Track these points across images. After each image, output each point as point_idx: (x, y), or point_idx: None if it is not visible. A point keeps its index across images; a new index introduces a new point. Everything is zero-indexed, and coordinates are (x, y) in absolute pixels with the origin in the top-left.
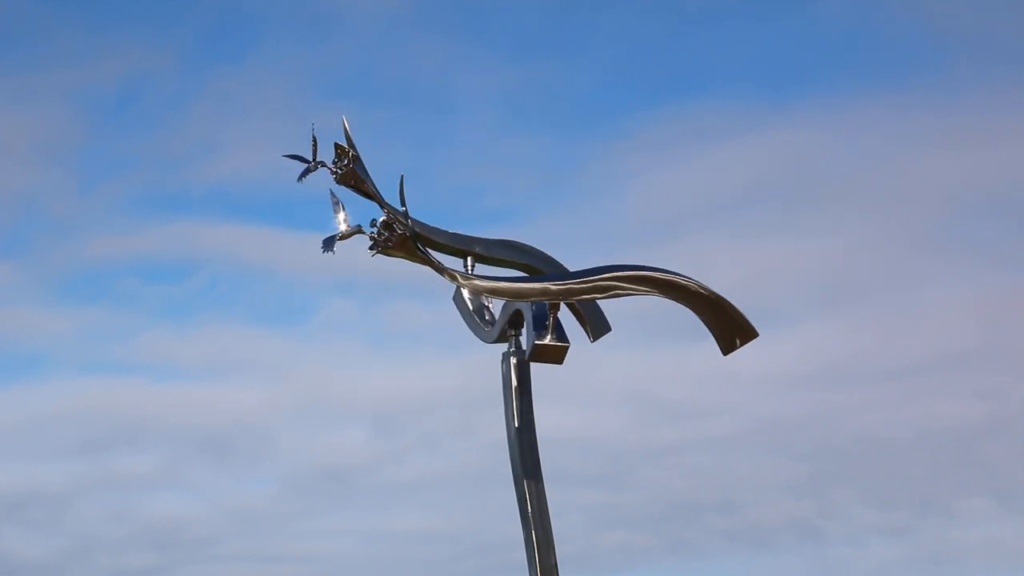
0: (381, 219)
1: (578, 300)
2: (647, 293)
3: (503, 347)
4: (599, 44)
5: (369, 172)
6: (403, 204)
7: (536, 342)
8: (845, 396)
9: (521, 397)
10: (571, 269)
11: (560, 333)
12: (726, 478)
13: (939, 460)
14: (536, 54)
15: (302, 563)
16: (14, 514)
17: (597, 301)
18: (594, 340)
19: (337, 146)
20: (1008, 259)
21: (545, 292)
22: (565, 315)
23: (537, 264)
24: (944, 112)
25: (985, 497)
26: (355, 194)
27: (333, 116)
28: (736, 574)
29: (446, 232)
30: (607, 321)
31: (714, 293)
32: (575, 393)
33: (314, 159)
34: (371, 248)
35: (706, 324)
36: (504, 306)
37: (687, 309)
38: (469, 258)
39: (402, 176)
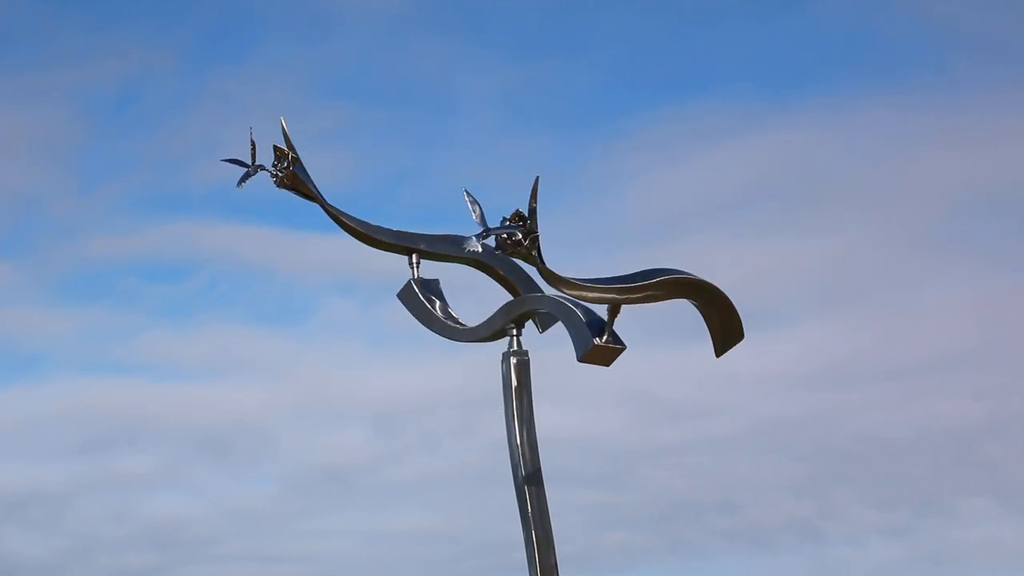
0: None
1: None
2: (677, 297)
3: (503, 347)
4: (599, 44)
5: (310, 173)
6: (533, 203)
7: (596, 342)
8: (845, 396)
9: (521, 397)
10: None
11: (616, 336)
12: (726, 478)
13: (939, 460)
14: (536, 54)
15: (302, 563)
16: (14, 514)
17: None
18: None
19: (276, 148)
20: (1008, 259)
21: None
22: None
23: (483, 257)
24: (944, 112)
25: (985, 497)
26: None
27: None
28: (736, 574)
29: (391, 231)
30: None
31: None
32: (575, 393)
33: (253, 163)
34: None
35: (710, 325)
36: (508, 305)
37: (688, 310)
38: (414, 255)
39: (537, 177)
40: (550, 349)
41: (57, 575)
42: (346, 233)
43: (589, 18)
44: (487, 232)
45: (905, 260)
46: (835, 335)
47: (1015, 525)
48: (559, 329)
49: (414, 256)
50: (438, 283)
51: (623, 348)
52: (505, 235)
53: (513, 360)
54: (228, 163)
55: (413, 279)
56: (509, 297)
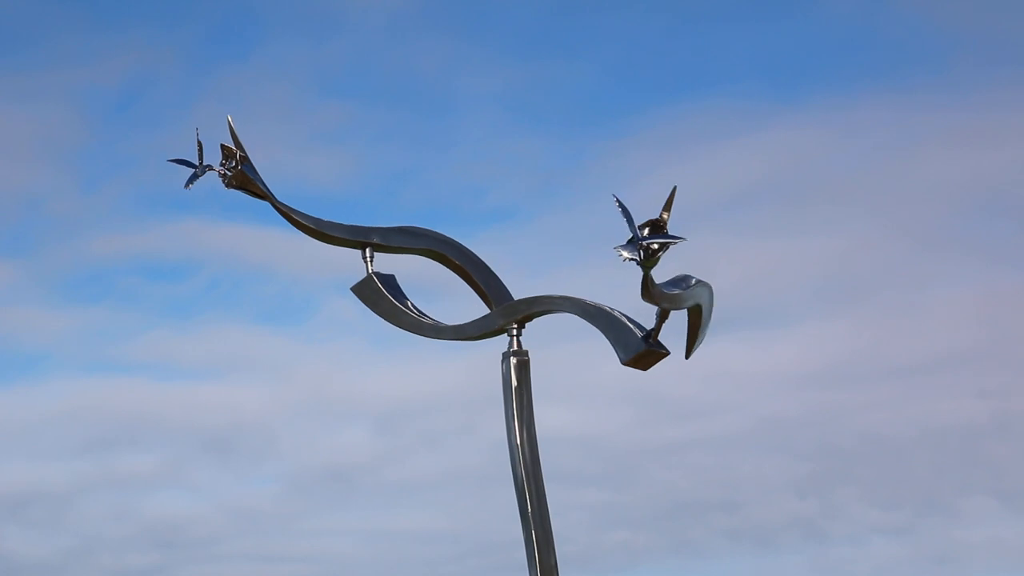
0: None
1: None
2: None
3: (503, 347)
4: (600, 44)
5: (259, 172)
6: (667, 211)
7: (646, 347)
8: (848, 395)
9: (521, 397)
10: (572, 268)
11: (660, 342)
12: (728, 477)
13: (942, 459)
14: (537, 54)
15: (304, 563)
16: (16, 514)
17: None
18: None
19: (224, 147)
20: (1011, 258)
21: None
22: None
23: (436, 247)
24: (946, 111)
25: (988, 496)
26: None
27: (334, 116)
28: (739, 573)
29: (343, 225)
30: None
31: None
32: (577, 392)
33: (201, 163)
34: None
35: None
36: (510, 305)
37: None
38: (368, 249)
39: (674, 188)
40: (550, 349)
41: (59, 575)
42: (299, 231)
43: (590, 18)
44: (643, 243)
45: (908, 259)
46: (837, 334)
47: (1018, 525)
48: (559, 329)
49: (368, 250)
50: (395, 279)
51: (667, 353)
52: (656, 245)
53: (513, 360)
54: (175, 163)
55: (371, 272)
56: (465, 287)
